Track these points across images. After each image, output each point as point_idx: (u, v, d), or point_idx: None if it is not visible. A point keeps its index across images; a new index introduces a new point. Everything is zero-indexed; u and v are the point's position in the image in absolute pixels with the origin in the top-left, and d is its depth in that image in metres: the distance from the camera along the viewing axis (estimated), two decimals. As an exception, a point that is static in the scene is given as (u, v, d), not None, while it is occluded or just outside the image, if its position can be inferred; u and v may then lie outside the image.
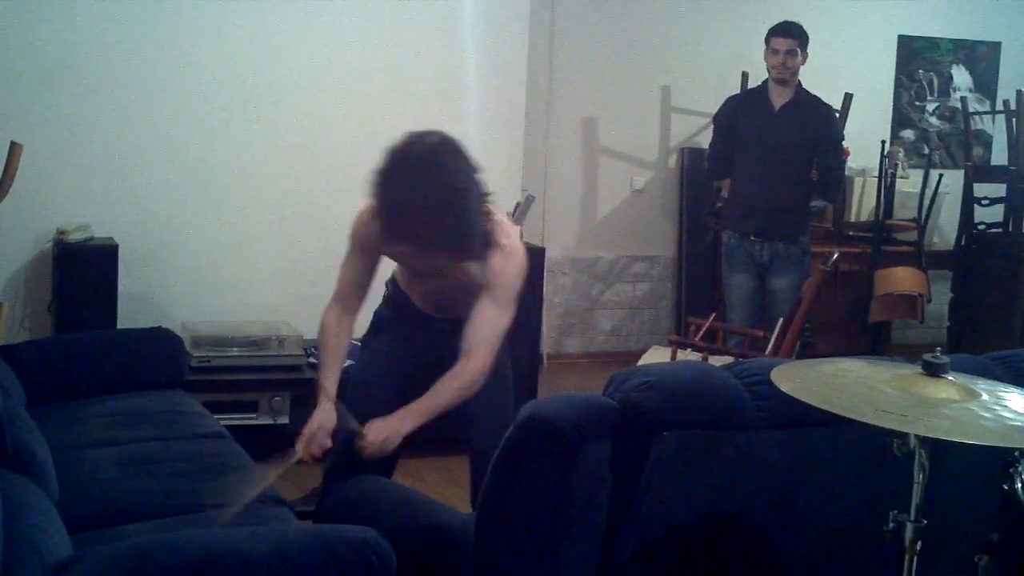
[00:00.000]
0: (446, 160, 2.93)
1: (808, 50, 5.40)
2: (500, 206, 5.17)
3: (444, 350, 3.16)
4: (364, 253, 3.22)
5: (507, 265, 3.07)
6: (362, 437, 3.00)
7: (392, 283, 3.46)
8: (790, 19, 5.46)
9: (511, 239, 3.10)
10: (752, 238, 5.44)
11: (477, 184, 2.97)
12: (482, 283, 3.09)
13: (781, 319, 4.86)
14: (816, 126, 5.42)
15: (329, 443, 3.11)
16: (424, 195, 2.84)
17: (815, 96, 5.49)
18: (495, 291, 3.07)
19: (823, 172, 5.53)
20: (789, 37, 5.33)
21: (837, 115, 6.10)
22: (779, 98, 5.40)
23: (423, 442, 3.74)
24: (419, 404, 3.05)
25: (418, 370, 3.21)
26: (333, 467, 3.37)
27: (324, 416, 3.12)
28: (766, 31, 5.44)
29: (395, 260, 3.29)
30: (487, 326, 3.07)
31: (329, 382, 3.20)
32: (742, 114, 5.49)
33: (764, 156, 5.38)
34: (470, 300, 3.14)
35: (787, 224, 5.40)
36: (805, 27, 5.43)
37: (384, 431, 3.00)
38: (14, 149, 4.22)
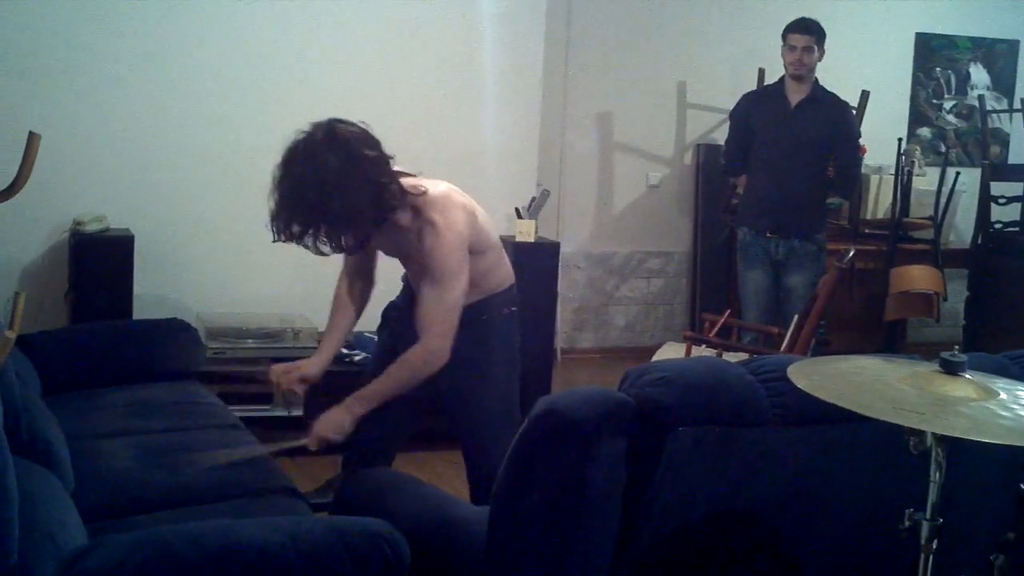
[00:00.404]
0: (304, 157, 2.98)
1: (825, 47, 5.39)
2: (508, 199, 5.18)
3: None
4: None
5: (438, 242, 3.05)
6: (311, 427, 3.11)
7: (405, 275, 3.47)
8: (807, 16, 5.45)
9: (447, 215, 3.08)
10: (768, 235, 5.42)
11: (352, 170, 2.96)
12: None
13: (796, 316, 4.85)
14: (832, 122, 5.41)
15: (299, 388, 3.30)
16: (285, 185, 2.98)
17: (831, 93, 5.47)
18: (430, 269, 3.07)
19: (839, 169, 5.51)
20: (806, 33, 5.31)
21: (854, 112, 6.08)
22: (795, 95, 5.39)
23: (438, 437, 3.77)
24: (367, 389, 3.12)
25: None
26: (348, 460, 3.39)
27: (308, 363, 3.28)
28: (783, 28, 5.43)
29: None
30: (428, 306, 3.08)
31: (327, 336, 3.34)
32: (758, 111, 5.48)
33: (780, 153, 5.36)
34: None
35: (803, 221, 5.39)
36: (822, 24, 5.41)
37: (324, 422, 3.11)
38: (32, 139, 4.22)
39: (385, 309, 3.56)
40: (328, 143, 2.97)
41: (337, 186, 2.92)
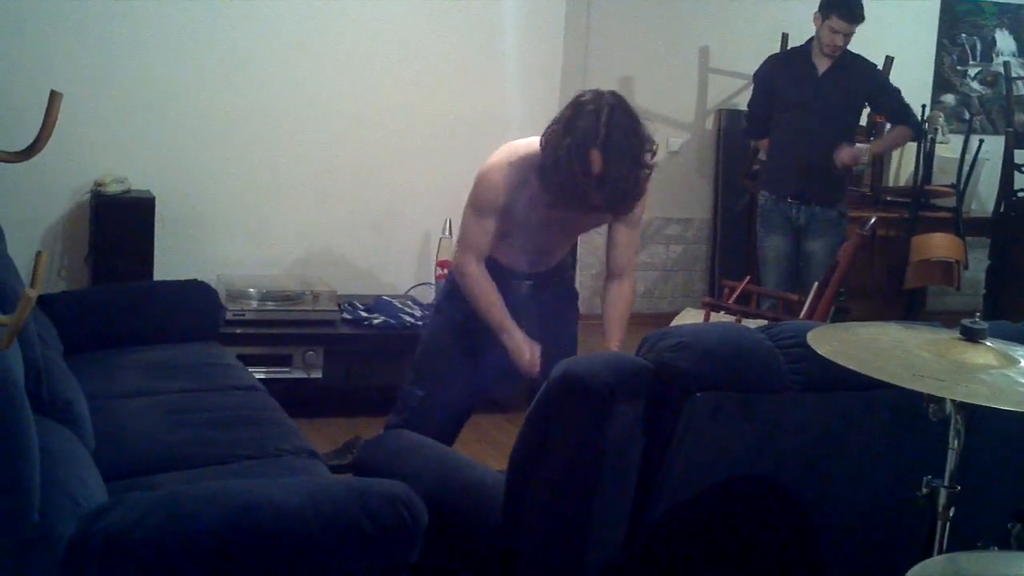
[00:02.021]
0: (636, 121, 2.99)
1: None
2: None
3: (522, 309, 3.26)
4: (497, 210, 3.19)
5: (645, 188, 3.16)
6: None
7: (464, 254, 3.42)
8: None
9: None
10: (789, 200, 5.39)
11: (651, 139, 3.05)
12: (604, 222, 3.26)
13: (816, 283, 4.83)
14: (863, 87, 5.38)
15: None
16: (632, 162, 2.95)
17: (859, 56, 5.39)
18: (633, 215, 3.25)
19: (893, 115, 5.52)
20: (853, 23, 5.17)
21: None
22: (823, 61, 5.32)
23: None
24: (614, 340, 3.33)
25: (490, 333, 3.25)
26: (393, 427, 3.36)
27: (528, 341, 3.23)
28: None
29: (524, 215, 3.23)
30: (631, 249, 3.36)
31: (509, 320, 3.25)
32: (783, 74, 5.40)
33: (805, 119, 5.30)
34: (566, 249, 3.41)
35: (825, 187, 5.34)
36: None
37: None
38: (53, 98, 4.20)
39: (450, 285, 3.47)
40: (629, 106, 3.02)
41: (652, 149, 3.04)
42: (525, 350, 3.20)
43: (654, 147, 3.01)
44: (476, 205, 3.21)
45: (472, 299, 3.26)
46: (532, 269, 3.34)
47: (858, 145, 5.35)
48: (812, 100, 5.26)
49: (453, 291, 3.39)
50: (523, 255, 3.32)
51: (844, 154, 5.20)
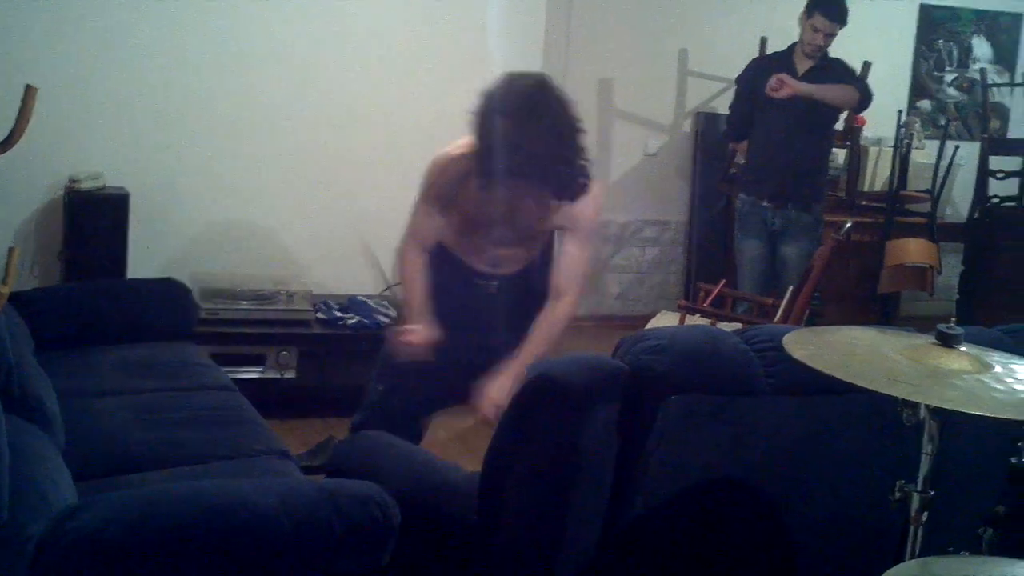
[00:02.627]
0: (556, 96, 2.99)
1: None
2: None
3: (487, 310, 3.26)
4: (443, 200, 3.23)
5: (589, 204, 3.13)
6: (481, 399, 3.08)
7: (436, 246, 3.43)
8: None
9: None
10: (765, 203, 5.40)
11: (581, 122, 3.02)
12: (555, 226, 3.18)
13: (791, 287, 4.84)
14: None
15: (423, 352, 3.17)
16: (546, 131, 2.92)
17: (838, 60, 5.42)
18: (576, 228, 3.16)
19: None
20: (837, 22, 5.22)
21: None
22: (803, 64, 5.35)
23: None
24: (524, 355, 3.12)
25: (459, 331, 3.23)
26: (358, 425, 3.38)
27: (428, 327, 3.19)
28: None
29: (474, 208, 3.24)
30: (575, 265, 3.19)
31: (424, 306, 3.24)
32: (764, 77, 5.42)
33: (783, 121, 5.31)
34: (529, 250, 3.28)
35: (802, 190, 5.36)
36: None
37: (498, 391, 3.05)
38: (28, 92, 4.18)
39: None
40: (553, 86, 3.02)
41: (578, 130, 3.00)
42: (414, 331, 3.17)
43: (577, 125, 2.98)
44: (421, 191, 3.26)
45: (401, 281, 3.34)
46: (495, 270, 3.33)
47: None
48: (790, 102, 5.27)
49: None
50: (483, 254, 3.32)
51: (774, 80, 5.20)
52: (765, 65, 5.59)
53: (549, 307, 3.17)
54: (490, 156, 2.96)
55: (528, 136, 2.90)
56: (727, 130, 5.94)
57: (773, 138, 5.37)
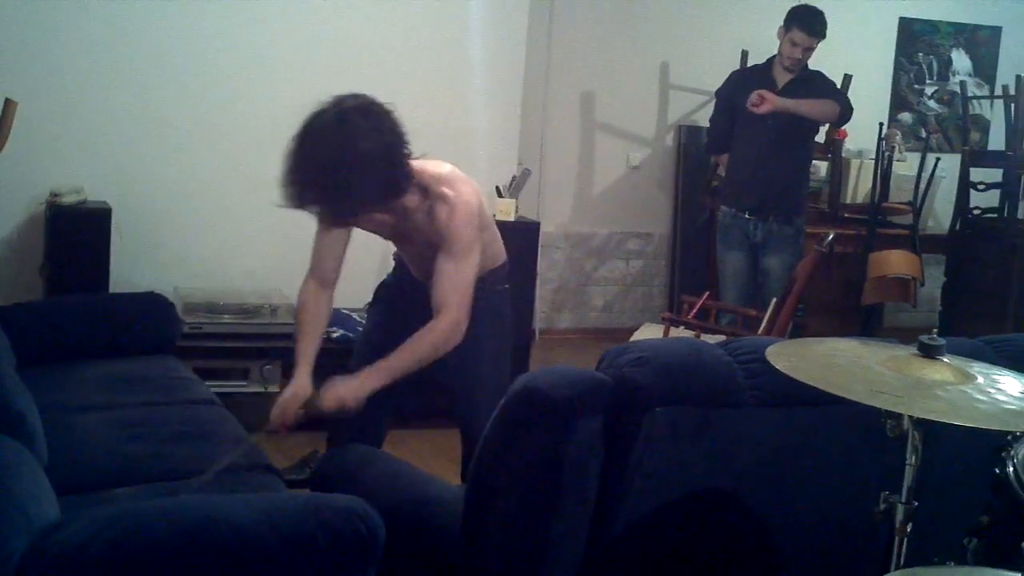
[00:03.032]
0: (337, 124, 2.93)
1: None
2: (489, 178, 5.17)
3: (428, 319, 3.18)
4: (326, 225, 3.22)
5: (453, 216, 3.05)
6: (327, 391, 3.00)
7: (396, 253, 3.47)
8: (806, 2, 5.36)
9: (457, 190, 3.08)
10: (747, 216, 5.42)
11: (382, 144, 2.94)
12: (436, 242, 3.09)
13: (774, 299, 4.85)
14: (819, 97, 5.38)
15: (301, 414, 3.08)
16: (308, 159, 2.90)
17: (818, 72, 5.44)
18: (447, 244, 3.06)
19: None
20: (814, 36, 5.24)
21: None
22: (783, 76, 5.36)
23: (415, 414, 3.76)
24: (384, 363, 3.03)
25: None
26: (332, 436, 3.39)
27: (298, 386, 3.10)
28: (771, 9, 5.36)
29: (374, 228, 3.23)
30: (447, 281, 3.06)
31: (306, 354, 3.18)
32: (744, 90, 5.43)
33: (764, 135, 5.33)
34: None
35: (784, 202, 5.38)
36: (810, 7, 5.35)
37: (340, 391, 2.99)
38: (8, 106, 4.19)
39: (378, 287, 3.57)
40: (360, 113, 2.96)
41: (364, 157, 2.88)
42: (287, 392, 3.10)
43: (356, 146, 2.90)
44: None
45: (296, 320, 3.32)
46: (428, 280, 3.25)
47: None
48: (771, 116, 5.29)
49: (377, 292, 3.56)
50: (414, 265, 3.32)
51: (754, 96, 5.21)
52: (745, 78, 5.61)
53: (430, 322, 3.06)
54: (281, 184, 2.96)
55: (295, 165, 2.92)
56: (708, 143, 5.96)
57: (754, 152, 5.38)
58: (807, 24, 5.24)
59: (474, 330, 3.16)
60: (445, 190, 3.07)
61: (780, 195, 5.36)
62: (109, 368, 3.72)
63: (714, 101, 5.82)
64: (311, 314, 3.26)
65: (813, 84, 5.38)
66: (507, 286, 3.44)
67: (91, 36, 4.98)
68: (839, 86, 6.13)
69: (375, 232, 3.27)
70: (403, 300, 3.37)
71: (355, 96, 3.01)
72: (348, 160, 2.86)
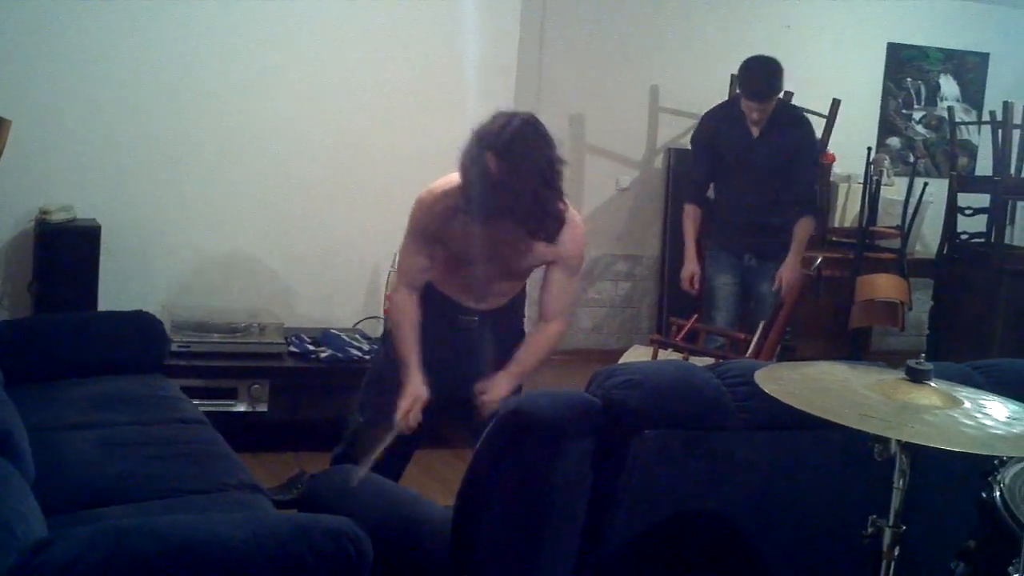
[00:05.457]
0: (544, 136, 2.99)
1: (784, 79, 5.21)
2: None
3: (468, 345, 3.27)
4: (429, 238, 3.23)
5: (576, 235, 3.18)
6: (482, 393, 3.14)
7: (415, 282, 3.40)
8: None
9: (571, 210, 3.16)
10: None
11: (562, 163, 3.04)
12: (541, 262, 3.22)
13: (762, 322, 4.85)
14: (793, 146, 5.24)
15: (421, 416, 3.16)
16: (531, 172, 2.92)
17: (792, 109, 5.38)
18: (568, 261, 3.22)
19: (795, 185, 5.24)
20: (764, 102, 5.11)
21: (813, 125, 5.89)
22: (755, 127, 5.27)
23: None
24: (517, 366, 3.22)
25: (440, 366, 3.22)
26: (339, 457, 3.37)
27: (418, 389, 3.17)
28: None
29: (459, 245, 3.23)
30: (565, 293, 3.29)
31: (416, 358, 3.23)
32: (719, 135, 5.33)
33: (744, 181, 5.25)
34: (513, 285, 3.34)
35: (771, 244, 5.27)
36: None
37: (501, 389, 3.14)
38: (3, 124, 4.19)
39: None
40: (537, 125, 3.00)
41: (559, 168, 2.99)
42: (409, 397, 3.14)
43: (559, 167, 2.98)
44: (408, 230, 3.27)
45: (391, 325, 3.35)
46: (479, 306, 3.33)
47: (782, 275, 5.18)
48: (747, 163, 5.21)
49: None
50: (469, 290, 3.32)
51: (780, 281, 5.15)
52: (718, 120, 5.44)
53: (539, 328, 3.29)
54: (477, 193, 2.97)
55: (514, 175, 2.91)
56: (692, 192, 5.60)
57: (739, 203, 5.27)
58: (753, 94, 5.12)
59: (509, 344, 3.31)
60: (569, 211, 3.13)
61: (771, 239, 5.26)
62: (97, 386, 3.71)
63: (693, 147, 5.60)
64: (411, 319, 3.29)
65: (787, 130, 5.24)
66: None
67: (82, 55, 4.98)
68: (826, 111, 6.15)
69: (458, 248, 3.24)
70: (438, 326, 3.33)
71: (515, 112, 3.05)
72: (556, 171, 2.98)
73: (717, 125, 5.41)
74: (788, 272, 5.13)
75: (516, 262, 3.24)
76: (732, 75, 6.58)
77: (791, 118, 5.34)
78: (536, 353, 3.28)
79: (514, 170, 2.91)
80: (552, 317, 3.27)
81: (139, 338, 4.08)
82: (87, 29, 4.98)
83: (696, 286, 5.33)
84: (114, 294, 4.88)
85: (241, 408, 4.72)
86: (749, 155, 5.24)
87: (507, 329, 3.39)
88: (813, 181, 5.44)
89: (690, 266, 5.43)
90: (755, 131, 5.22)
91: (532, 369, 3.27)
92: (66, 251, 4.75)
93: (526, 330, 3.49)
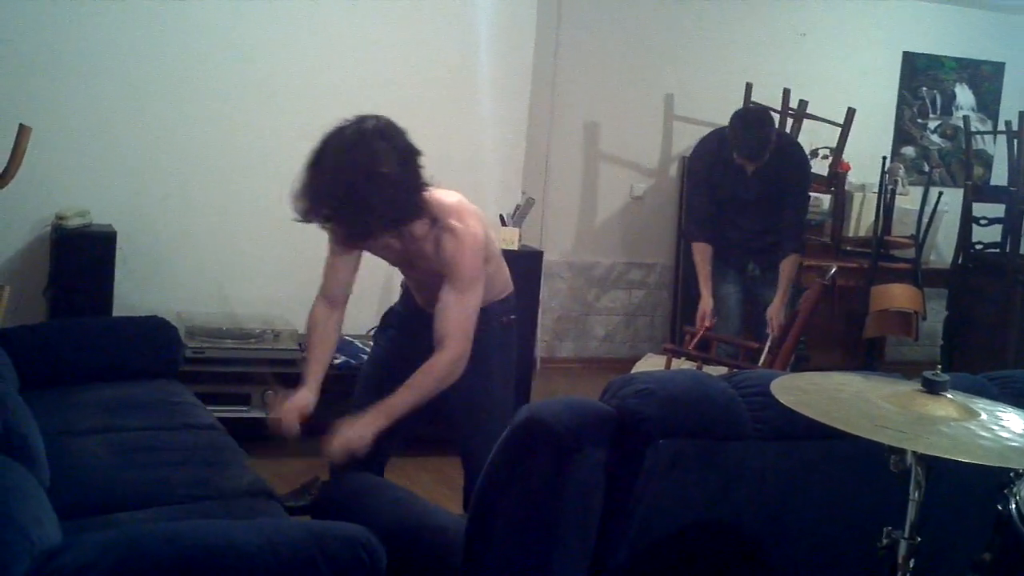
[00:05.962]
0: (359, 142, 2.94)
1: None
2: (493, 206, 5.17)
3: (432, 346, 3.18)
4: (343, 250, 3.24)
5: (460, 248, 3.06)
6: (333, 438, 2.98)
7: (403, 281, 3.48)
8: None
9: (465, 221, 3.09)
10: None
11: (401, 167, 2.96)
12: (440, 270, 3.10)
13: (771, 336, 4.84)
14: (786, 178, 5.22)
15: (297, 427, 3.12)
16: (326, 173, 2.92)
17: (787, 141, 5.36)
18: (452, 276, 3.07)
19: (784, 221, 5.22)
20: (756, 162, 5.08)
21: (832, 128, 5.89)
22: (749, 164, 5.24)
23: (417, 443, 3.76)
24: (388, 402, 3.03)
25: (415, 365, 3.18)
26: (336, 465, 3.37)
27: (299, 400, 3.15)
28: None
29: (381, 253, 3.24)
30: (451, 313, 3.06)
31: (313, 371, 3.23)
32: (715, 174, 5.31)
33: (741, 212, 5.27)
34: None
35: (774, 257, 5.25)
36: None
37: (345, 437, 2.97)
38: (23, 131, 4.20)
39: (385, 314, 3.58)
40: (381, 134, 2.97)
41: (383, 178, 2.89)
42: (291, 405, 3.14)
43: (389, 170, 2.92)
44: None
45: (307, 338, 3.34)
46: (431, 309, 3.23)
47: (771, 317, 5.18)
48: (747, 196, 5.21)
49: (385, 319, 3.55)
50: (420, 293, 3.32)
51: (772, 325, 5.13)
52: (713, 153, 5.37)
53: (432, 356, 3.05)
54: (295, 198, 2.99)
55: (312, 179, 2.95)
56: (692, 229, 5.55)
57: (738, 228, 5.25)
58: (745, 156, 5.08)
59: (480, 360, 3.17)
60: (453, 221, 3.08)
61: (773, 252, 5.25)
62: (111, 392, 3.72)
63: (692, 182, 5.58)
64: (319, 334, 3.29)
65: (780, 162, 5.18)
66: (513, 316, 3.44)
67: (99, 63, 5.01)
68: (841, 120, 6.12)
69: (382, 256, 3.28)
70: (410, 327, 3.37)
71: (376, 117, 3.02)
72: (366, 178, 2.88)
73: (711, 165, 5.36)
74: (776, 313, 5.14)
75: (427, 266, 3.17)
76: (748, 84, 6.59)
77: (786, 150, 5.30)
78: (417, 388, 3.02)
79: (330, 165, 2.93)
80: (441, 342, 3.04)
81: (153, 344, 4.09)
82: (104, 38, 5.01)
83: (709, 324, 5.27)
84: (129, 300, 4.90)
85: (255, 414, 4.73)
86: (744, 192, 5.23)
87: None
88: (803, 213, 5.43)
89: (707, 301, 5.34)
90: (749, 169, 5.17)
91: (411, 406, 3.03)
92: (82, 256, 4.77)
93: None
